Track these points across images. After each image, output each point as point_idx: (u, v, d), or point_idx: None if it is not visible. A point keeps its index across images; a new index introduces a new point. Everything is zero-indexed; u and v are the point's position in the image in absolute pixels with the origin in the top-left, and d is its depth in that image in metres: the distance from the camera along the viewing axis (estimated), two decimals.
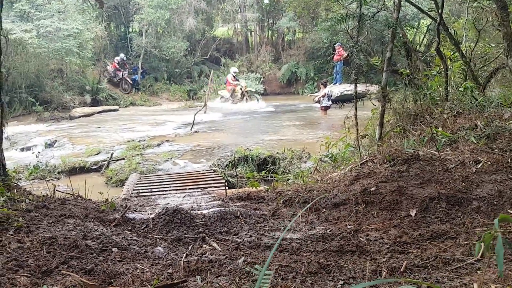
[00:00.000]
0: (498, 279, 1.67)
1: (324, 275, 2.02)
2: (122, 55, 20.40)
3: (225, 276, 1.95)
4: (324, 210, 3.05)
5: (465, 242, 2.24)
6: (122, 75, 20.14)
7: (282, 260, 2.16)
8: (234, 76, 18.84)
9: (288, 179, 4.93)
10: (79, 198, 3.54)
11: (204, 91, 19.47)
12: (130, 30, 23.84)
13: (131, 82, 20.63)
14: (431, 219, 2.71)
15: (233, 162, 7.57)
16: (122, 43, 23.61)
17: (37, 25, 15.06)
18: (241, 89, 18.41)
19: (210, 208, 3.15)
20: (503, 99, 4.61)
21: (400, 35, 6.50)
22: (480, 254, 1.97)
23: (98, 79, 19.04)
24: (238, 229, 2.68)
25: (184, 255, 2.23)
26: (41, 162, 7.71)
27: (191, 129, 12.14)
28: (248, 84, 19.50)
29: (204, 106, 14.49)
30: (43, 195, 3.12)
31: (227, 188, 4.75)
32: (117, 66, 20.05)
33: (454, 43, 5.64)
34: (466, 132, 4.15)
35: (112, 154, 8.79)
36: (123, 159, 8.56)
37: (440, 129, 4.50)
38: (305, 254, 2.27)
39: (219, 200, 3.51)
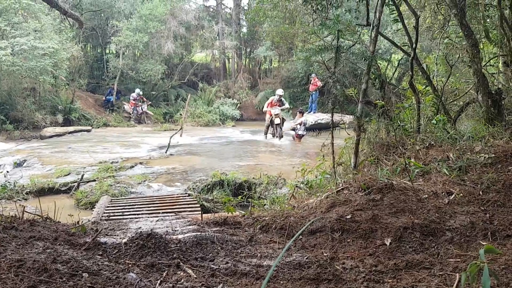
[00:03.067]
0: None
1: None
2: (137, 90, 20.39)
3: None
4: (300, 237, 3.04)
5: (440, 273, 2.27)
6: (142, 109, 20.16)
7: None
8: (278, 100, 14.88)
9: (265, 205, 4.91)
10: (48, 220, 3.41)
11: (181, 114, 19.40)
12: (107, 51, 23.76)
13: (152, 114, 20.64)
14: (405, 249, 2.74)
15: (208, 186, 7.49)
16: (98, 64, 23.48)
17: (12, 43, 14.81)
18: (272, 116, 14.77)
19: (185, 233, 3.09)
20: (473, 133, 4.78)
21: (375, 67, 6.71)
22: (455, 284, 1.99)
23: (72, 98, 18.75)
24: (214, 255, 2.63)
25: (158, 281, 2.17)
26: (9, 182, 7.43)
27: (166, 152, 12.01)
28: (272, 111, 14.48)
29: (180, 129, 14.42)
30: (12, 216, 3.00)
31: (202, 212, 4.68)
32: (135, 103, 20.03)
33: (426, 77, 5.85)
34: (438, 164, 4.25)
35: (82, 176, 8.56)
36: (94, 180, 8.35)
37: (412, 160, 4.60)
38: (282, 282, 2.25)
39: (195, 224, 3.45)
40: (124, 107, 20.54)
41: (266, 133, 15.32)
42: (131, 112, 20.23)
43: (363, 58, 4.83)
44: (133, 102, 20.10)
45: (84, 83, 21.05)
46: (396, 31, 14.71)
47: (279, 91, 15.22)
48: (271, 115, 14.82)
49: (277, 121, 14.74)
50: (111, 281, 2.16)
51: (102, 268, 2.31)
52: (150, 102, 21.15)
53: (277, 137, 14.86)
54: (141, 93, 20.34)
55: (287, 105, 15.32)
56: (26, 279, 1.89)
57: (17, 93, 16.34)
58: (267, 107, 14.99)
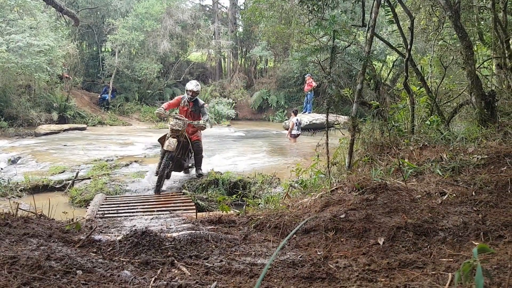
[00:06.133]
0: None
1: None
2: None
3: None
4: (294, 235, 3.05)
5: (433, 272, 2.28)
6: None
7: (253, 287, 2.14)
8: (190, 100, 8.32)
9: (259, 204, 4.93)
10: (42, 217, 3.40)
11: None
12: (103, 49, 23.67)
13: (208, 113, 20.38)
14: (398, 248, 2.75)
15: (203, 185, 7.49)
16: (93, 62, 23.40)
17: (7, 40, 14.73)
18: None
19: (180, 231, 3.09)
20: (467, 134, 4.81)
21: (370, 68, 6.75)
22: (448, 284, 2.01)
23: (67, 96, 18.66)
24: (209, 253, 2.64)
25: (153, 279, 2.17)
26: (3, 179, 7.42)
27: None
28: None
29: None
30: (6, 213, 2.99)
31: (197, 211, 4.69)
32: None
33: (421, 79, 5.88)
34: (431, 164, 4.28)
35: (77, 173, 8.54)
36: (89, 178, 8.33)
37: (406, 160, 4.62)
38: (276, 281, 2.26)
39: (189, 223, 3.45)
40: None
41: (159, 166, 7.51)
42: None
43: (359, 59, 4.85)
44: None
45: (79, 81, 20.97)
46: (391, 32, 14.81)
47: (191, 85, 8.26)
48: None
49: (169, 146, 7.36)
50: (105, 278, 2.16)
51: (96, 266, 2.31)
52: (207, 105, 20.89)
53: (157, 173, 7.43)
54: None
55: (202, 121, 8.06)
56: (20, 276, 1.89)
57: (12, 90, 16.26)
58: (165, 109, 7.99)
